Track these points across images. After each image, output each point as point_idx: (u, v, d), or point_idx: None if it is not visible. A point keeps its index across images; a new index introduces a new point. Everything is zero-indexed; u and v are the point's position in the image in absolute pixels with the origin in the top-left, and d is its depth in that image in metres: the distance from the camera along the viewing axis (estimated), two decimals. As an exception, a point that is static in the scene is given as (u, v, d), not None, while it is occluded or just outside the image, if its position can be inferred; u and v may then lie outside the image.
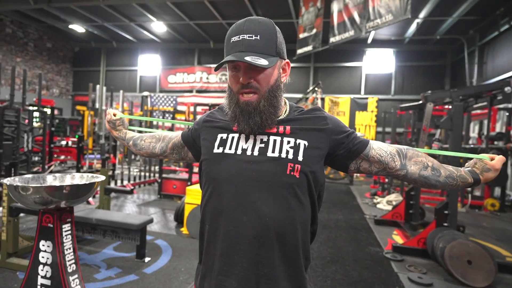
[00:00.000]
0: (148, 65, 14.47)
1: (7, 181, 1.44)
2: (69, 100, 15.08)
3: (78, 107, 12.28)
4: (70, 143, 7.85)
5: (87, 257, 2.96)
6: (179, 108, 12.55)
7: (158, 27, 11.68)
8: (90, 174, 1.68)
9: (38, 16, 11.42)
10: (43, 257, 1.53)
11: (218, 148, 0.84)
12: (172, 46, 13.95)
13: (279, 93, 0.82)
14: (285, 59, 0.84)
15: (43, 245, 1.53)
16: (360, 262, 3.14)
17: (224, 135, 0.85)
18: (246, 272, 0.78)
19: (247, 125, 0.79)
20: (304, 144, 0.80)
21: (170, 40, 13.45)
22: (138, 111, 12.28)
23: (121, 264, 2.82)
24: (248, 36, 0.75)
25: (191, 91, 13.93)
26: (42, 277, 1.53)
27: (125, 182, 6.37)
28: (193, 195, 3.71)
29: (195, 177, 5.69)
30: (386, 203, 5.96)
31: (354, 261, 3.16)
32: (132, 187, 5.32)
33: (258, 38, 0.75)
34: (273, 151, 0.79)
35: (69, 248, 1.55)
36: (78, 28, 12.37)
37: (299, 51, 7.33)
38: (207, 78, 13.78)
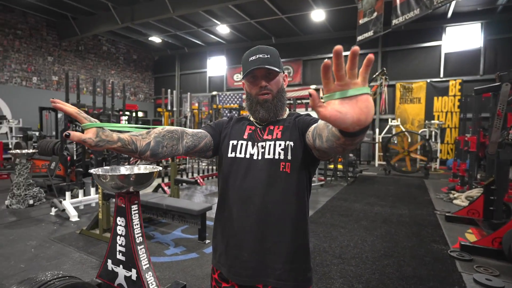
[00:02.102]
0: (216, 66, 15.50)
1: (93, 171, 1.90)
2: (152, 104, 17.21)
3: (158, 109, 14.00)
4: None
5: (160, 236, 3.51)
6: (244, 104, 13.17)
7: (223, 29, 12.41)
8: (151, 166, 2.06)
9: (125, 33, 13.35)
10: (119, 230, 1.97)
11: (231, 153, 1.09)
12: (236, 46, 14.63)
13: (284, 95, 1.10)
14: (284, 73, 1.12)
15: (119, 221, 1.96)
16: (418, 258, 2.97)
17: (235, 142, 1.10)
18: (254, 247, 1.02)
19: (267, 114, 1.06)
20: (291, 145, 1.03)
21: (234, 40, 14.14)
22: (208, 109, 13.35)
23: (186, 244, 3.27)
24: (262, 55, 1.03)
25: (255, 88, 14.42)
26: (119, 245, 1.97)
27: (195, 175, 7.10)
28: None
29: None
30: (465, 198, 5.31)
31: (410, 257, 3.00)
32: (196, 179, 5.90)
33: (269, 56, 1.03)
34: (269, 154, 1.04)
35: (137, 224, 1.95)
36: (156, 39, 14.02)
37: (359, 37, 6.95)
38: (270, 73, 14.06)
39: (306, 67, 13.36)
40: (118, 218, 1.97)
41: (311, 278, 1.07)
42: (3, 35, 10.99)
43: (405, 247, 3.26)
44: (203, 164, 9.14)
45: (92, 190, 4.72)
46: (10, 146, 8.88)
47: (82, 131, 0.77)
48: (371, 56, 0.52)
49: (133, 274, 1.91)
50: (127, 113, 5.47)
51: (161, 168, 2.06)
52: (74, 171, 4.69)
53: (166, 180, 6.36)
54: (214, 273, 1.14)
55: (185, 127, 9.02)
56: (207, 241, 3.33)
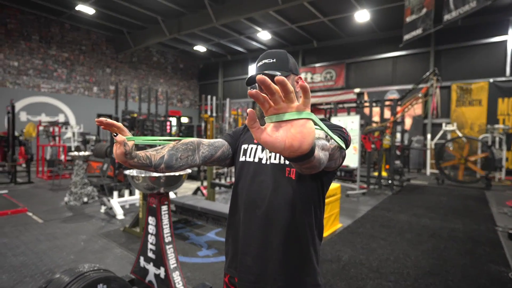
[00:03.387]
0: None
1: (127, 172, 2.03)
2: (197, 110, 18.01)
3: (202, 115, 14.60)
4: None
5: (195, 237, 3.62)
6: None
7: (264, 35, 12.57)
8: (180, 172, 2.15)
9: (172, 44, 14.23)
10: (150, 229, 2.06)
11: (242, 157, 1.10)
12: (277, 52, 14.68)
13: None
14: (298, 75, 1.05)
15: (150, 220, 2.06)
16: (471, 279, 2.63)
17: (246, 146, 1.10)
18: (258, 253, 1.01)
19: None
20: None
21: (275, 46, 14.22)
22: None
23: (218, 247, 3.32)
24: (267, 60, 1.02)
25: (296, 93, 14.30)
26: (150, 243, 2.06)
27: (233, 179, 7.20)
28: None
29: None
30: (535, 214, 4.61)
31: (462, 277, 2.67)
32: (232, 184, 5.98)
33: (274, 60, 1.01)
34: (274, 158, 1.02)
35: (166, 224, 2.03)
36: (200, 48, 14.70)
37: (406, 36, 6.50)
38: (312, 78, 13.85)
39: (349, 70, 12.89)
40: (150, 218, 2.07)
41: None
42: (71, 50, 12.44)
43: (455, 265, 2.91)
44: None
45: (137, 191, 5.05)
46: (73, 149, 9.95)
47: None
48: (303, 85, 0.49)
49: (162, 272, 1.98)
50: (171, 118, 5.77)
51: (190, 171, 2.12)
52: (122, 172, 5.07)
53: (205, 183, 6.56)
54: (225, 277, 1.14)
55: (226, 132, 9.28)
56: (239, 245, 3.34)
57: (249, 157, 1.07)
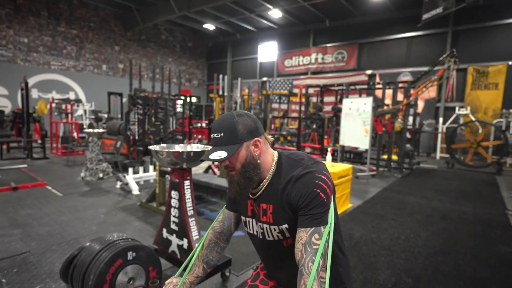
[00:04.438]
0: (267, 51, 15.43)
1: (152, 147, 2.08)
2: (205, 89, 17.93)
3: (211, 95, 14.51)
4: (204, 125, 9.49)
5: (209, 213, 3.73)
6: (294, 90, 12.98)
7: (275, 14, 12.23)
8: (202, 146, 2.18)
9: (181, 21, 13.96)
10: (173, 202, 2.14)
11: (244, 226, 1.17)
12: (287, 31, 14.34)
13: (252, 167, 1.01)
14: (253, 138, 1.01)
15: (173, 194, 2.13)
16: (481, 260, 2.69)
17: (244, 218, 1.16)
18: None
19: (233, 191, 1.03)
20: (286, 227, 1.01)
21: (286, 25, 13.86)
22: (257, 95, 13.45)
23: (232, 222, 3.43)
24: (216, 135, 1.00)
25: (306, 73, 14.08)
26: (173, 216, 2.15)
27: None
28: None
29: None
30: (546, 200, 4.60)
31: (472, 257, 2.73)
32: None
33: (222, 134, 0.99)
34: (268, 236, 1.06)
35: (189, 198, 2.10)
36: (210, 26, 14.41)
37: (426, 15, 6.27)
38: (323, 58, 13.56)
39: (362, 51, 12.57)
40: (173, 192, 2.14)
41: None
42: (79, 27, 12.33)
43: (466, 246, 2.97)
44: (251, 149, 9.32)
45: (151, 167, 5.17)
46: (85, 127, 10.09)
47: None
48: None
49: (185, 243, 2.07)
50: (182, 97, 5.77)
51: (210, 147, 2.17)
52: (136, 150, 5.17)
53: (216, 162, 6.65)
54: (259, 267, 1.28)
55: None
56: (253, 221, 3.44)
57: (250, 229, 1.14)
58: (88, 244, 1.87)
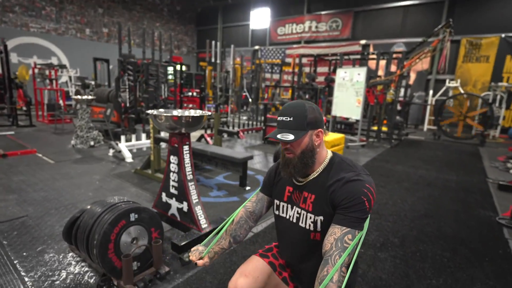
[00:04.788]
0: (259, 18, 14.84)
1: (150, 111, 2.06)
2: (194, 57, 17.35)
3: (201, 63, 14.09)
4: (195, 94, 9.31)
5: (205, 180, 3.79)
6: (287, 60, 12.72)
7: (268, -23, 11.60)
8: (200, 111, 2.17)
9: (169, -18, 13.10)
10: (172, 167, 2.17)
11: (276, 210, 1.25)
12: (281, -4, 13.72)
13: (310, 154, 1.09)
14: (318, 128, 1.09)
15: (172, 159, 2.15)
16: (461, 222, 2.88)
17: (278, 202, 1.24)
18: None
19: (286, 172, 1.12)
20: (321, 220, 1.08)
21: (279, -11, 13.23)
22: (249, 65, 13.15)
23: (227, 189, 3.51)
24: (285, 118, 1.07)
25: (299, 42, 13.74)
26: (172, 180, 2.18)
27: (236, 128, 7.29)
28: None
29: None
30: (524, 169, 4.86)
31: (454, 220, 2.92)
32: (238, 131, 6.07)
33: (291, 119, 1.05)
34: (302, 222, 1.14)
35: (188, 163, 2.13)
36: (199, -11, 13.61)
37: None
38: (316, 27, 13.19)
39: (357, 19, 12.25)
40: (171, 157, 2.16)
41: None
42: (58, -14, 11.45)
43: (448, 210, 3.16)
44: (244, 118, 9.29)
45: (143, 135, 5.12)
46: (71, 94, 9.76)
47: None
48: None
49: (185, 206, 2.13)
50: (174, 64, 5.59)
51: (210, 113, 2.17)
52: (127, 117, 5.08)
53: (208, 131, 6.64)
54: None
55: (226, 82, 9.05)
56: (248, 187, 3.54)
57: (282, 213, 1.22)
58: (89, 206, 1.90)
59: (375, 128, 7.42)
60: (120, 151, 4.65)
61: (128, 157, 4.52)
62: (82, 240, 1.76)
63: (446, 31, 6.37)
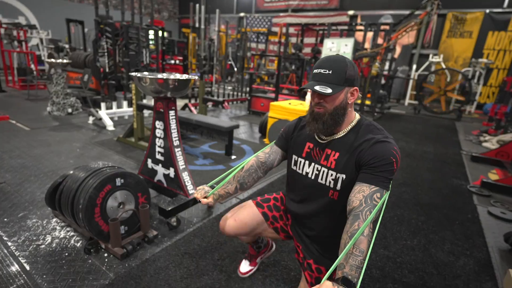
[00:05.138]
0: (245, -17, 14.07)
1: (134, 74, 1.96)
2: (176, 24, 16.47)
3: (184, 30, 13.39)
4: (177, 61, 8.95)
5: (190, 149, 3.76)
6: (273, 29, 12.33)
7: None
8: (187, 75, 2.09)
9: None
10: (158, 132, 2.11)
11: (293, 166, 1.24)
12: (269, -41, 12.97)
13: (342, 112, 1.07)
14: (354, 86, 1.06)
15: (158, 124, 2.10)
16: (436, 190, 3.05)
17: (296, 157, 1.23)
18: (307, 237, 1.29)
19: (314, 127, 1.10)
20: (342, 178, 1.07)
21: (267, -49, 12.47)
22: (234, 33, 12.66)
23: (213, 157, 3.51)
24: (323, 71, 1.03)
25: (286, 10, 13.27)
26: (158, 146, 2.14)
27: (220, 98, 7.16)
28: (276, 110, 4.02)
29: (281, 98, 5.98)
30: (496, 142, 5.13)
31: (429, 188, 3.09)
32: (223, 100, 5.97)
33: (330, 72, 1.02)
34: (321, 179, 1.13)
35: (174, 129, 2.08)
36: None
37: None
38: (304, -6, 12.70)
39: (346, -11, 11.88)
40: (157, 122, 2.10)
41: None
42: None
43: (425, 179, 3.33)
44: (229, 88, 9.11)
45: (125, 103, 4.94)
46: (43, 58, 9.12)
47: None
48: None
49: (171, 172, 2.12)
50: (155, 28, 5.24)
51: (197, 77, 2.10)
52: (107, 84, 4.84)
53: (193, 101, 6.49)
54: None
55: (210, 51, 8.71)
56: (233, 156, 3.55)
57: (299, 169, 1.21)
58: (72, 172, 1.85)
59: (359, 101, 7.51)
60: (100, 119, 4.49)
61: (110, 125, 4.37)
62: (66, 205, 1.73)
63: (434, 4, 6.32)
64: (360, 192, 0.94)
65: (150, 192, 2.51)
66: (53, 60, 4.79)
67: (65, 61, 4.87)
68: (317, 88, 1.01)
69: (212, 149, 3.82)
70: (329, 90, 1.00)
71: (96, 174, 1.75)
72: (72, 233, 1.91)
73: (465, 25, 9.92)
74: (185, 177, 2.10)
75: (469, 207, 2.71)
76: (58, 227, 1.97)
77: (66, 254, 1.71)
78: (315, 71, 1.05)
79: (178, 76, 2.02)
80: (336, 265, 0.76)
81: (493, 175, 3.65)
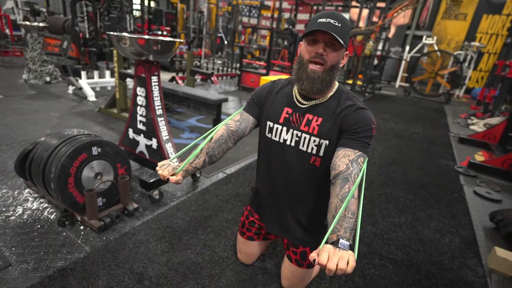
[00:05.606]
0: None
1: (112, 33, 1.77)
2: (165, -8, 15.57)
3: (172, 0, 12.63)
4: (165, 32, 8.52)
5: (176, 123, 3.61)
6: (266, 3, 11.85)
7: None
8: (171, 38, 1.92)
9: None
10: (139, 100, 1.96)
11: (268, 133, 1.15)
12: None
13: (336, 72, 1.01)
14: (347, 51, 1.02)
15: (139, 91, 1.94)
16: (424, 169, 3.05)
17: (271, 124, 1.13)
18: (282, 217, 1.26)
19: (310, 87, 1.00)
20: (326, 143, 1.04)
21: None
22: (225, 5, 12.11)
23: (200, 131, 3.38)
24: (333, 21, 0.92)
25: (280, -16, 12.71)
26: (139, 115, 2.00)
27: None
28: (266, 85, 3.87)
29: (272, 74, 5.80)
30: (483, 125, 5.19)
31: (417, 167, 3.08)
32: (212, 72, 5.75)
33: (340, 26, 0.92)
34: (303, 146, 1.08)
35: (157, 96, 1.93)
36: None
37: None
38: (299, -33, 12.14)
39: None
40: (138, 88, 1.94)
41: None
42: None
43: (413, 159, 3.32)
44: (218, 62, 8.80)
45: (107, 73, 4.67)
46: (18, 22, 8.50)
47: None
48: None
49: (154, 143, 1.99)
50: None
51: (183, 41, 1.93)
52: (88, 52, 4.54)
53: (180, 74, 6.23)
54: (246, 209, 1.44)
55: (200, 23, 8.32)
56: (221, 131, 3.43)
57: (275, 136, 1.12)
58: (43, 139, 1.70)
59: (350, 82, 7.40)
60: (81, 88, 4.24)
61: (91, 95, 4.14)
62: (37, 174, 1.60)
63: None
64: (346, 157, 0.93)
65: (132, 164, 2.39)
66: (27, 22, 4.42)
67: (41, 24, 4.51)
68: (331, 31, 0.90)
69: (200, 123, 3.68)
70: (340, 40, 0.92)
71: (70, 141, 1.61)
72: (46, 205, 1.79)
73: (461, 7, 9.78)
74: (169, 148, 1.98)
75: (456, 186, 2.72)
76: (30, 198, 1.84)
77: (39, 226, 1.60)
78: (322, 20, 0.92)
79: (161, 37, 1.85)
80: (332, 229, 0.73)
81: (480, 157, 3.68)
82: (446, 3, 9.90)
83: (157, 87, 1.92)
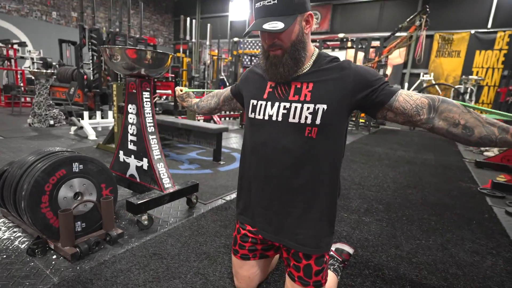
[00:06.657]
0: (238, 10, 14.57)
1: (102, 47, 1.73)
2: (171, 49, 16.76)
3: (178, 54, 13.52)
4: (170, 78, 8.89)
5: (176, 156, 3.47)
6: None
7: (247, -35, 11.37)
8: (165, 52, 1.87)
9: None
10: (130, 118, 1.85)
11: (251, 113, 1.03)
12: (261, -13, 13.52)
13: (302, 46, 0.90)
14: (307, 11, 0.88)
15: (130, 108, 1.84)
16: (444, 192, 2.77)
17: (255, 101, 1.02)
18: (277, 210, 1.03)
19: (274, 76, 0.93)
20: (323, 108, 0.89)
21: (259, -20, 13.02)
22: (228, 57, 12.82)
23: (200, 163, 3.22)
24: (267, 2, 0.84)
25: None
26: (130, 134, 1.87)
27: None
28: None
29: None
30: (497, 151, 4.93)
31: (435, 190, 2.81)
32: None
33: (276, 1, 0.83)
34: (293, 117, 0.92)
35: (149, 113, 1.82)
36: (176, -24, 13.12)
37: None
38: (295, 20, 13.11)
39: (335, 13, 12.29)
40: (129, 106, 1.85)
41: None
42: (20, -38, 10.57)
43: (429, 182, 3.06)
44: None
45: (110, 113, 4.70)
46: (28, 70, 8.99)
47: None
48: None
49: (145, 163, 1.83)
50: (144, 39, 5.15)
51: (175, 55, 1.89)
52: (92, 96, 4.62)
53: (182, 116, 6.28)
54: (237, 223, 1.21)
55: (204, 75, 8.75)
56: (222, 162, 3.26)
57: (259, 114, 1.00)
58: (20, 158, 1.56)
59: (353, 119, 7.38)
60: (82, 127, 4.22)
61: (92, 135, 4.10)
62: (9, 194, 1.42)
63: (423, 18, 6.43)
64: (412, 103, 0.85)
65: (125, 192, 2.20)
66: (36, 69, 4.60)
67: (49, 71, 4.69)
68: (266, 26, 0.83)
69: (200, 156, 3.54)
70: (281, 25, 0.83)
71: (48, 157, 1.46)
72: (19, 234, 1.58)
73: (453, 45, 10.17)
74: (161, 168, 1.81)
75: (484, 207, 2.43)
76: (4, 228, 1.63)
77: (4, 256, 1.37)
78: (257, 4, 0.86)
79: (152, 49, 1.80)
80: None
81: (502, 180, 3.39)
82: (438, 43, 10.33)
83: (149, 103, 1.82)
